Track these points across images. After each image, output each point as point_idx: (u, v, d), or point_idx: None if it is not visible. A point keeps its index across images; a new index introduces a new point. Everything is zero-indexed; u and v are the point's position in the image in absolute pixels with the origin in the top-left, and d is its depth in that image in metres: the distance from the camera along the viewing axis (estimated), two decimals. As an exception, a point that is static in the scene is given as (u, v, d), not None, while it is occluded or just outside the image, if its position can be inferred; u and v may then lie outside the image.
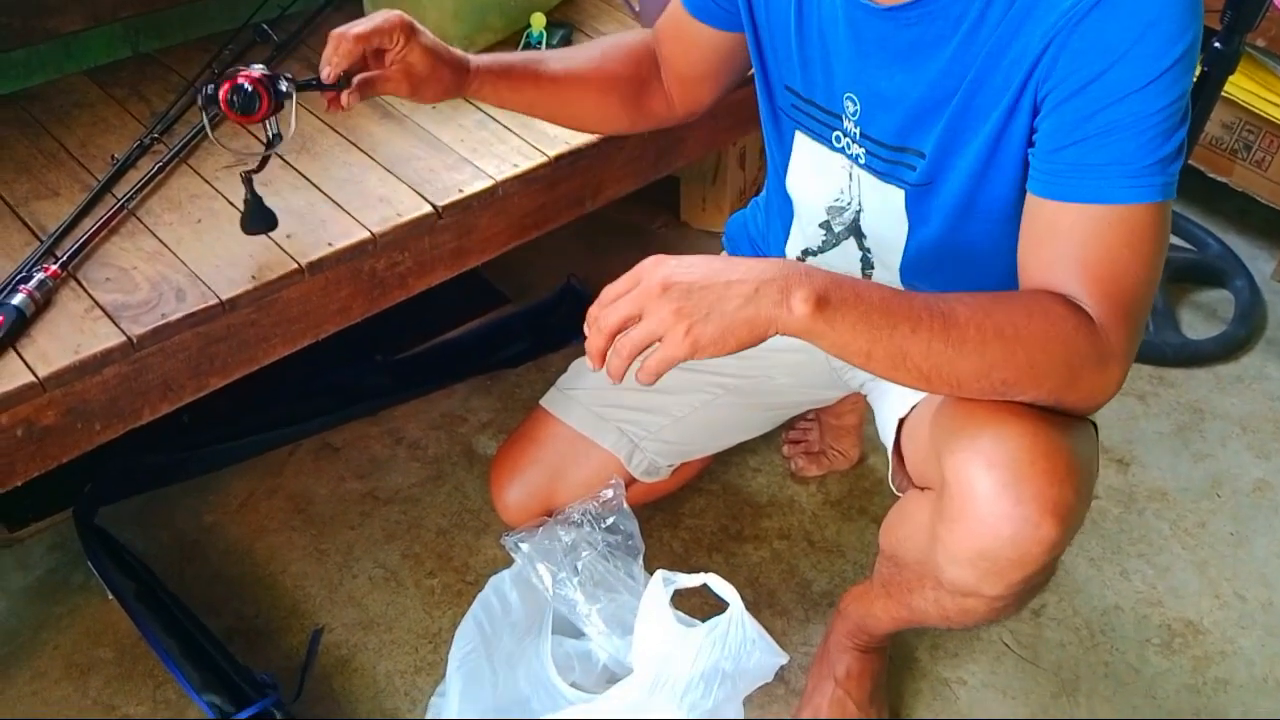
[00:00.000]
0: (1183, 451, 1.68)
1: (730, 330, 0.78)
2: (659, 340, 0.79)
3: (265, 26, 1.42)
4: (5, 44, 1.30)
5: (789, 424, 1.57)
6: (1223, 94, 1.78)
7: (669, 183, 2.01)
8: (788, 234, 1.16)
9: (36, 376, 0.96)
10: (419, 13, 1.43)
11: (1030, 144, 0.86)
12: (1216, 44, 1.64)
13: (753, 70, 1.11)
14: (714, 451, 1.38)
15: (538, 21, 1.48)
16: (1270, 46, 1.86)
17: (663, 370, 0.79)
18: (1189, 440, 1.70)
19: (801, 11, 0.97)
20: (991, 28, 0.84)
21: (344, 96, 1.00)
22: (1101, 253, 0.81)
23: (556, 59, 1.15)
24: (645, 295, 0.80)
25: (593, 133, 1.29)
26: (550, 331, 1.77)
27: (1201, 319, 1.93)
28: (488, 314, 1.79)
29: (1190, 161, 1.93)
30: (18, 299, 1.00)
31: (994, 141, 0.88)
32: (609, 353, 0.82)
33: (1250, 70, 1.94)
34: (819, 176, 1.07)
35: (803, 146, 1.07)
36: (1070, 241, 0.82)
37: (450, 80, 1.05)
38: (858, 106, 0.96)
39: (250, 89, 0.97)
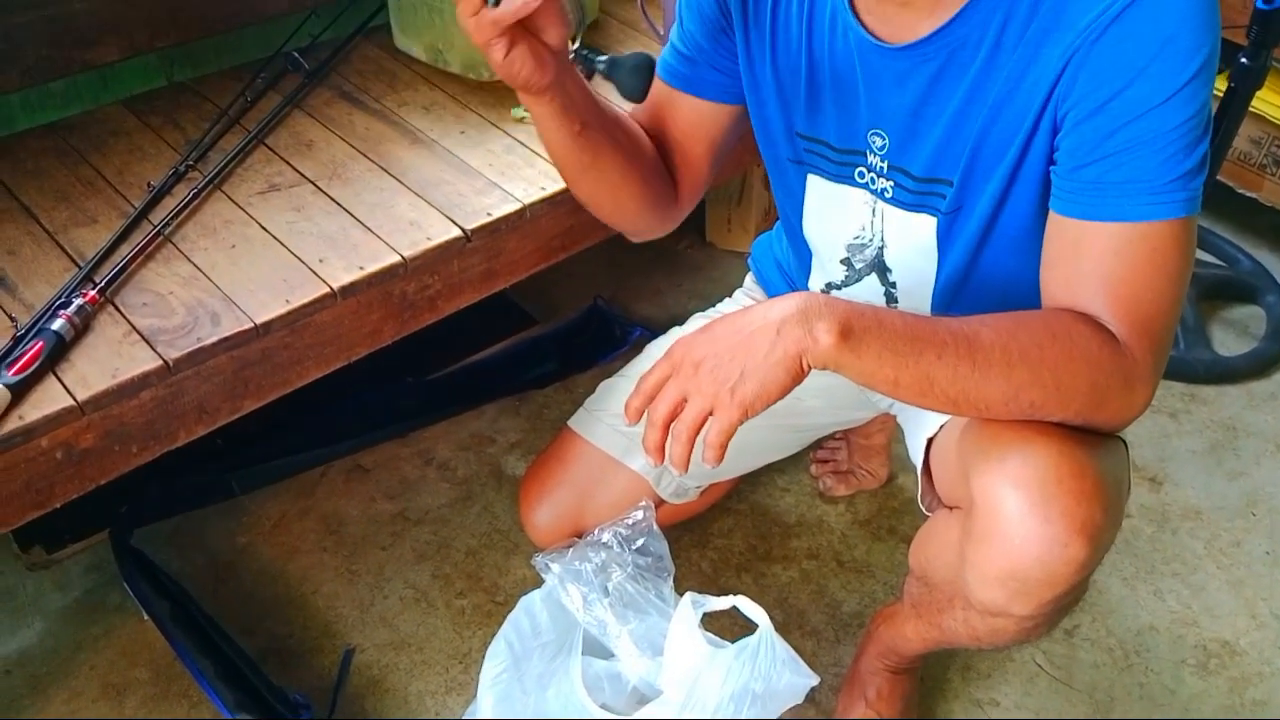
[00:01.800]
0: (1216, 469, 1.66)
1: (769, 379, 0.79)
2: (710, 414, 0.80)
3: (296, 54, 1.45)
4: (44, 76, 1.33)
5: (817, 443, 1.57)
6: (1251, 109, 1.77)
7: (695, 203, 2.02)
8: (809, 272, 1.16)
9: (75, 400, 0.98)
10: (449, 38, 1.46)
11: (1052, 162, 0.86)
12: (1243, 59, 1.64)
13: (752, 118, 1.07)
14: (743, 473, 1.38)
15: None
16: (1299, 61, 1.85)
17: (724, 442, 0.80)
18: (1222, 458, 1.68)
19: (812, 58, 0.96)
20: (1009, 51, 0.84)
21: None
22: (1125, 271, 0.81)
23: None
24: (684, 379, 0.82)
25: (624, 224, 1.12)
26: (578, 352, 1.78)
27: (1233, 336, 1.91)
28: (515, 335, 1.80)
29: (1220, 177, 1.91)
30: (57, 324, 1.02)
31: (1017, 162, 0.88)
32: (667, 442, 0.83)
33: (1278, 85, 1.93)
34: (837, 217, 1.06)
35: (817, 190, 1.06)
36: (1093, 260, 0.82)
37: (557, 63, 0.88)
38: (886, 141, 0.95)
39: None
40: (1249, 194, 2.02)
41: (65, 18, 1.31)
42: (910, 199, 0.98)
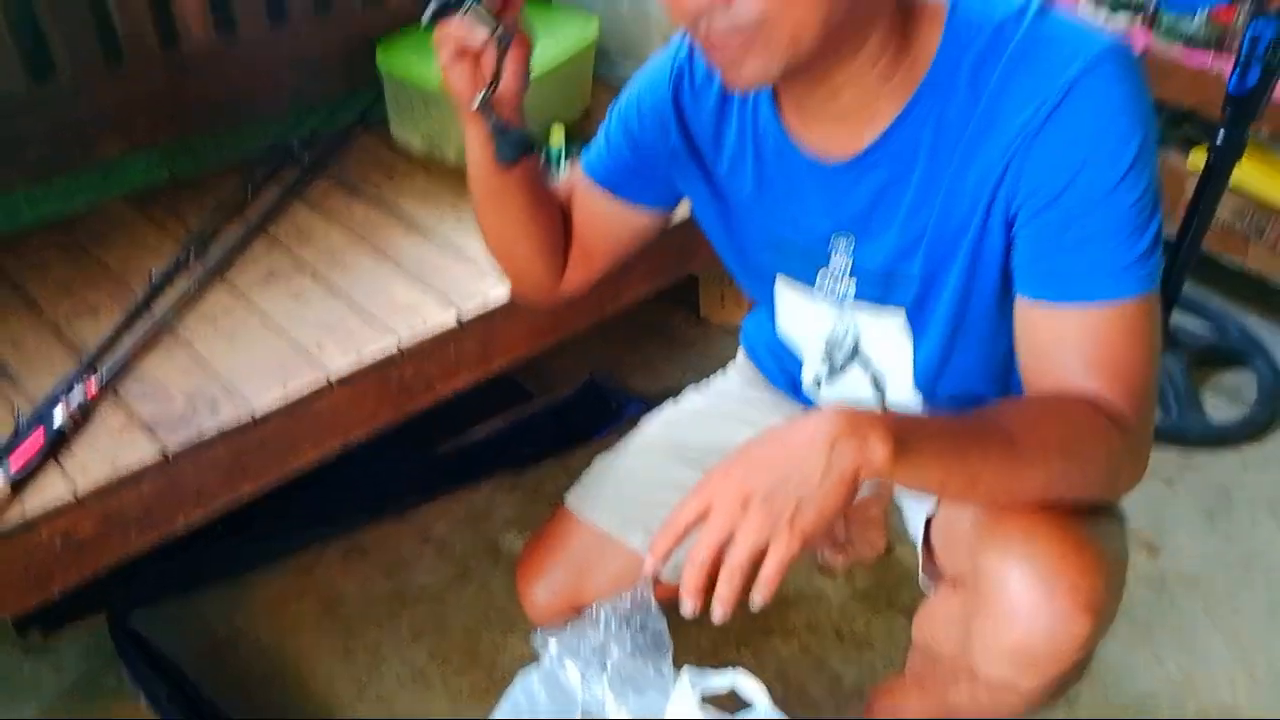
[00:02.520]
0: (1212, 534, 1.66)
1: (829, 503, 0.76)
2: (765, 549, 0.77)
3: (296, 147, 1.49)
4: (49, 172, 1.37)
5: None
6: (1231, 183, 1.81)
7: (687, 278, 2.04)
8: (798, 363, 1.18)
9: (76, 490, 1.00)
10: (444, 130, 1.50)
11: (1012, 250, 0.89)
12: (1220, 137, 1.68)
13: (714, 239, 1.10)
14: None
15: (557, 134, 1.54)
16: (1274, 135, 1.89)
17: (781, 576, 0.77)
18: (1218, 523, 1.68)
19: (763, 180, 0.99)
20: (948, 154, 0.86)
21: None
22: (1105, 350, 0.84)
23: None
24: (728, 516, 0.78)
25: (510, 269, 1.12)
26: (574, 427, 1.79)
27: (1225, 401, 1.93)
28: (512, 410, 1.82)
29: (1205, 246, 1.94)
30: (59, 416, 1.04)
31: (973, 255, 0.90)
32: (720, 583, 0.78)
33: (1258, 157, 1.97)
34: (808, 317, 1.08)
35: (786, 293, 1.08)
36: (1071, 342, 0.85)
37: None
38: (851, 241, 0.98)
39: None
40: (1235, 261, 2.05)
41: (69, 117, 1.36)
42: (875, 295, 1.00)
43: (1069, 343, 0.85)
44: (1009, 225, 0.87)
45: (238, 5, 1.46)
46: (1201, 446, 1.81)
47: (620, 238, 1.11)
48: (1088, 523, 0.86)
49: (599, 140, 1.08)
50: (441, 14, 0.81)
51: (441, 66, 0.88)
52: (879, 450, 0.76)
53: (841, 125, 0.90)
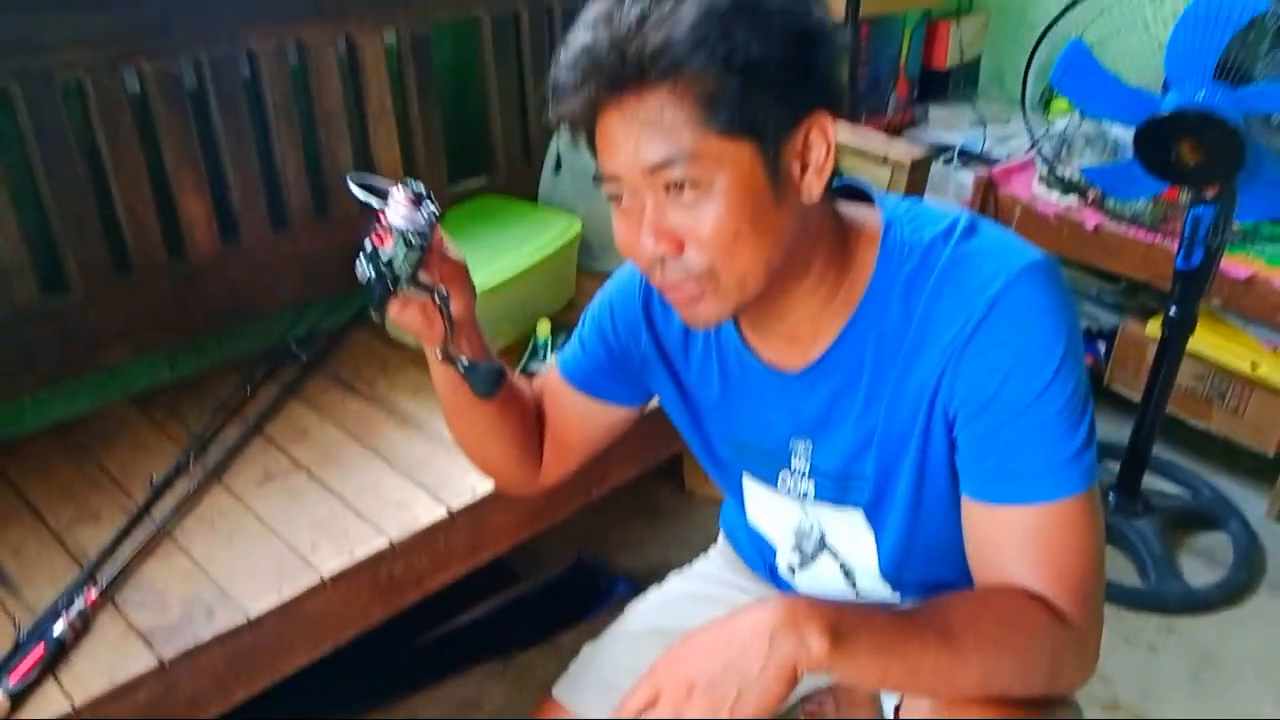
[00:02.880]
0: (1198, 700, 1.67)
1: (768, 693, 0.79)
2: None
3: (294, 345, 1.56)
4: (56, 379, 1.43)
5: (805, 697, 1.58)
6: (1190, 349, 1.90)
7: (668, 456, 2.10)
8: (774, 550, 1.22)
9: (73, 705, 1.01)
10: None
11: (954, 450, 0.94)
12: (1172, 312, 1.77)
13: (688, 440, 1.16)
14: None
15: (543, 328, 1.62)
16: (1227, 304, 1.99)
17: None
18: (1203, 689, 1.69)
19: (728, 385, 1.06)
20: (889, 363, 0.93)
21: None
22: (1045, 549, 0.87)
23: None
24: (675, 702, 0.80)
25: (485, 468, 1.17)
26: (563, 609, 1.81)
27: (1201, 564, 1.96)
28: (500, 593, 1.83)
29: (1172, 410, 2.02)
30: (58, 628, 1.07)
31: (921, 456, 0.96)
32: None
33: (1213, 325, 2.06)
34: (775, 511, 1.13)
35: (752, 489, 1.14)
36: (1013, 541, 0.89)
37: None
38: (810, 444, 1.04)
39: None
40: (1200, 425, 2.12)
41: (79, 327, 1.42)
42: (832, 495, 1.05)
43: (1011, 542, 0.89)
44: (950, 427, 0.93)
45: (242, 214, 1.56)
46: (1181, 613, 1.84)
47: (596, 433, 1.16)
48: (1041, 714, 0.87)
49: (574, 342, 1.15)
50: (383, 303, 0.89)
51: (391, 319, 0.94)
52: (816, 644, 0.79)
53: (792, 342, 0.97)
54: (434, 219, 0.90)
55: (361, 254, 0.87)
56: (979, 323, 0.87)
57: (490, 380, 0.98)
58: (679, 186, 0.83)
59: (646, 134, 0.81)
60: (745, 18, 0.80)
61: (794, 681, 0.80)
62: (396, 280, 0.87)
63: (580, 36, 0.82)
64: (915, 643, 0.82)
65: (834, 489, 1.04)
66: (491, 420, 1.09)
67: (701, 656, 0.82)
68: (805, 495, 1.07)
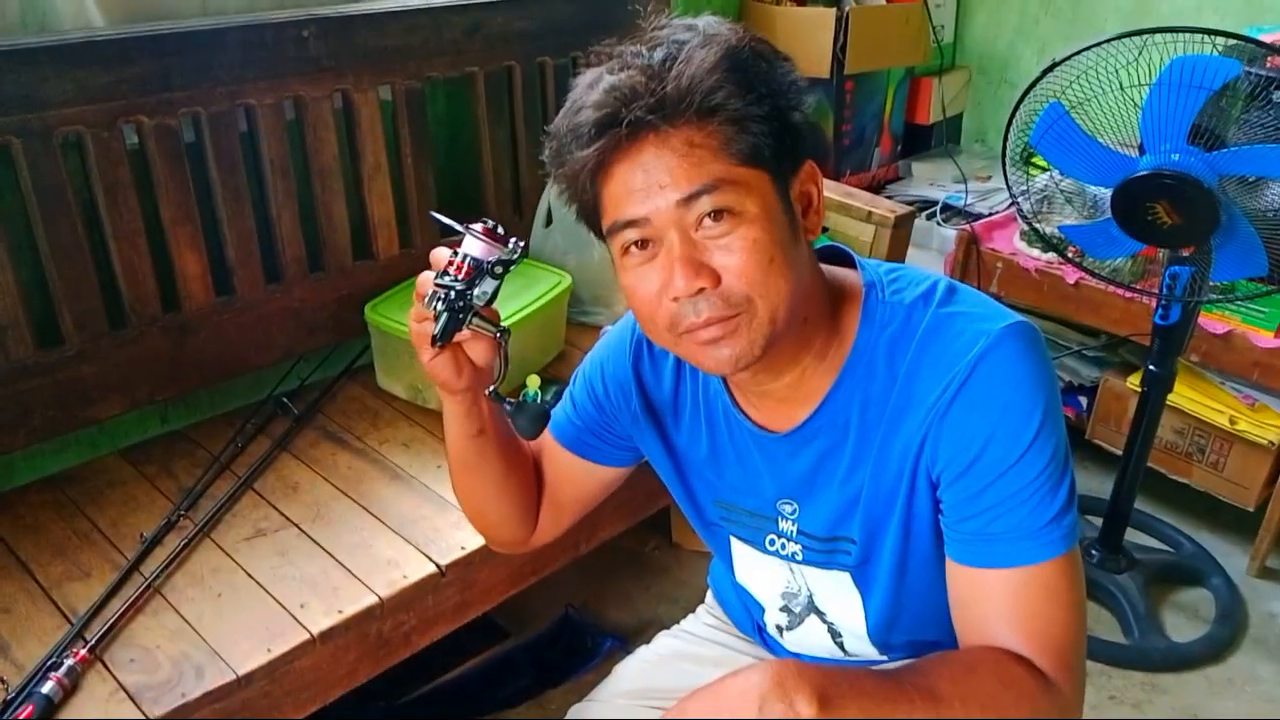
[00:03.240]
0: (1185, 761, 1.68)
1: None
2: None
3: (285, 399, 1.57)
4: (48, 433, 1.43)
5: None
6: (1170, 403, 1.93)
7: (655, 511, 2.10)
8: (763, 610, 1.23)
9: (60, 767, 1.01)
10: (428, 378, 1.58)
11: (940, 511, 0.95)
12: (1151, 367, 1.80)
13: (676, 499, 1.16)
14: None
15: (533, 382, 1.63)
16: (1204, 360, 2.02)
17: None
18: (1190, 749, 1.70)
19: (716, 446, 1.07)
20: (873, 427, 0.95)
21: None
22: (1027, 611, 0.89)
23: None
24: None
25: (482, 527, 1.16)
26: (551, 666, 1.80)
27: (1184, 620, 1.98)
28: (488, 650, 1.82)
29: (1152, 464, 2.04)
30: (47, 687, 1.07)
31: (906, 518, 0.97)
32: None
33: (1191, 380, 2.09)
34: (763, 573, 1.15)
35: (740, 550, 1.16)
36: (995, 604, 0.90)
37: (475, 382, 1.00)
38: (796, 506, 1.05)
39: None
40: (1181, 480, 2.14)
41: (74, 381, 1.43)
42: (820, 558, 1.06)
43: (993, 605, 0.90)
44: (934, 487, 0.94)
45: (237, 268, 1.57)
46: (1165, 670, 1.84)
47: (587, 493, 1.18)
48: None
49: (565, 403, 1.16)
50: (450, 334, 0.89)
51: (427, 363, 0.96)
52: (805, 708, 0.79)
53: (781, 402, 0.99)
54: (515, 255, 0.90)
55: (436, 284, 0.87)
56: (960, 386, 0.89)
57: (538, 419, 0.98)
58: (715, 215, 0.84)
59: (678, 167, 0.83)
60: (754, 65, 0.84)
61: None
62: (468, 311, 0.87)
63: (598, 88, 0.84)
64: (902, 707, 0.83)
65: (821, 551, 1.06)
66: (500, 478, 1.10)
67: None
68: (793, 556, 1.08)
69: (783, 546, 1.08)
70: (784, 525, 1.07)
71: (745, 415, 1.03)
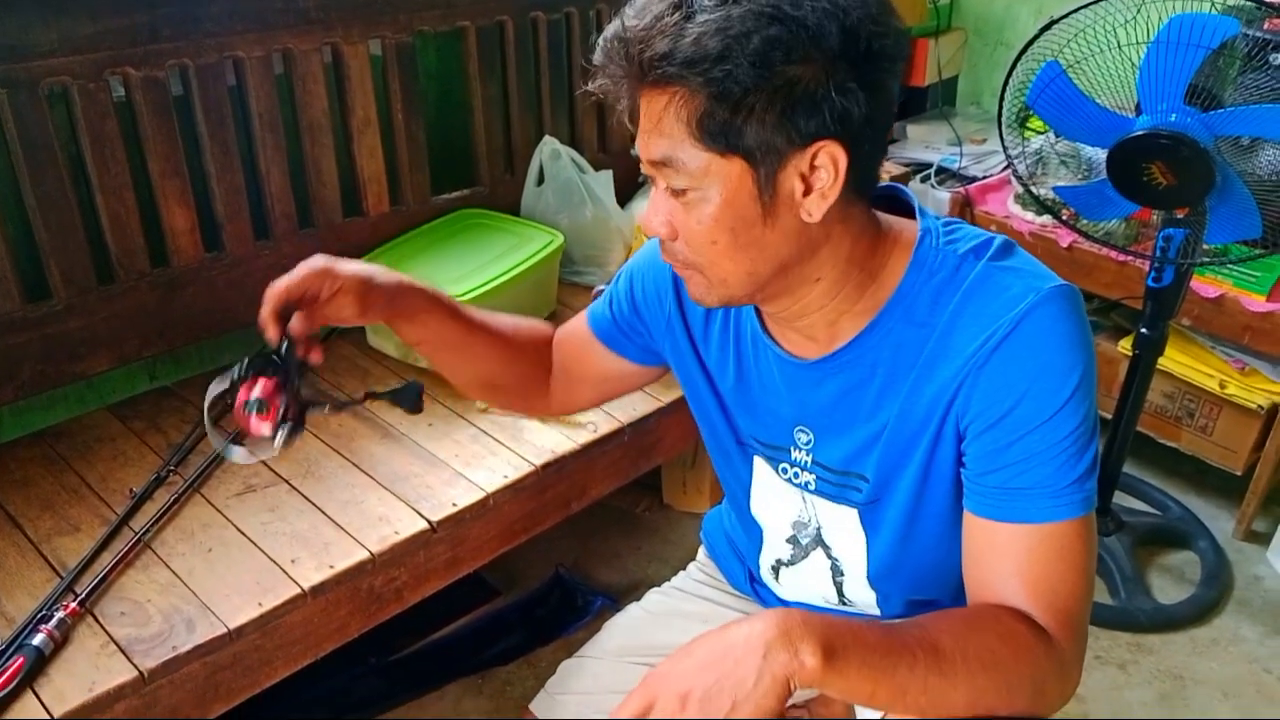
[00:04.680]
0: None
1: (762, 706, 0.79)
2: None
3: (275, 356, 1.55)
4: (37, 388, 1.42)
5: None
6: (1160, 367, 1.93)
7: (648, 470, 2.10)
8: (760, 549, 1.23)
9: (51, 717, 1.01)
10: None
11: (961, 464, 0.96)
12: (1143, 330, 1.80)
13: (697, 415, 1.18)
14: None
15: (524, 340, 1.63)
16: (1195, 324, 2.03)
17: None
18: (1174, 708, 1.71)
19: (741, 366, 1.08)
20: (906, 370, 0.95)
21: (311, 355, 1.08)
22: (1039, 569, 0.89)
23: (480, 314, 1.21)
24: (669, 713, 0.81)
25: (469, 392, 1.27)
26: (541, 624, 1.81)
27: (1170, 582, 1.99)
28: (478, 609, 1.83)
29: (1141, 428, 2.04)
30: (38, 639, 1.06)
31: (926, 465, 0.97)
32: None
33: (1182, 344, 2.10)
34: (778, 499, 1.16)
35: (761, 474, 1.16)
36: (1008, 559, 0.90)
37: (381, 303, 1.10)
38: (811, 436, 1.06)
39: (264, 400, 1.01)
40: (1170, 444, 2.15)
41: (62, 335, 1.42)
42: (832, 490, 1.07)
43: (1005, 560, 0.90)
44: (960, 440, 0.94)
45: (226, 223, 1.55)
46: (1151, 630, 1.86)
47: (604, 378, 1.22)
48: None
49: (606, 294, 1.20)
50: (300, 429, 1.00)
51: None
52: (810, 660, 0.80)
53: (809, 339, 0.99)
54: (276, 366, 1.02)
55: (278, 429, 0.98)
56: (1001, 340, 0.88)
57: (417, 395, 1.18)
58: (670, 188, 0.88)
59: (654, 130, 0.85)
60: (753, 42, 0.80)
61: (787, 695, 0.81)
62: (302, 413, 1.00)
63: (622, 19, 0.84)
64: (905, 661, 0.83)
65: (834, 484, 1.06)
66: (476, 340, 1.16)
67: (696, 668, 0.83)
68: (806, 486, 1.09)
69: (795, 475, 1.09)
70: (796, 454, 1.08)
71: (774, 341, 1.03)
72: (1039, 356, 0.88)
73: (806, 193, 0.88)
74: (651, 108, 0.85)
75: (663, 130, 0.85)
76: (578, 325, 1.24)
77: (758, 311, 1.05)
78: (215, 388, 1.00)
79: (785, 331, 1.02)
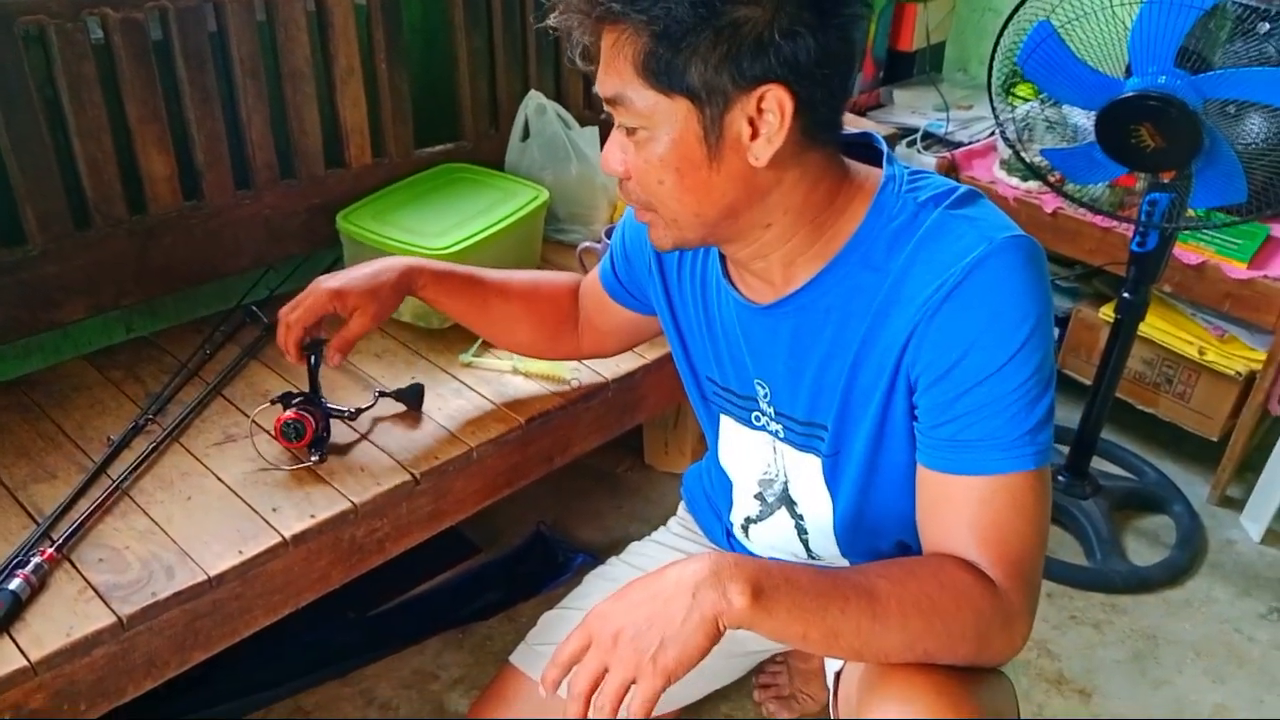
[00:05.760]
0: (1141, 679, 1.72)
1: (690, 644, 0.82)
2: (633, 683, 0.82)
3: (254, 308, 1.54)
4: (11, 335, 1.40)
5: (759, 668, 1.61)
6: (1140, 334, 1.94)
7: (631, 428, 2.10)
8: (730, 504, 1.24)
9: (29, 660, 1.00)
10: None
11: (914, 417, 0.96)
12: (1125, 295, 1.81)
13: (675, 361, 1.20)
14: (687, 703, 1.41)
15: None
16: (1176, 291, 2.04)
17: (649, 709, 0.82)
18: (1146, 668, 1.74)
19: (708, 314, 1.09)
20: (860, 318, 0.94)
21: (334, 357, 1.26)
22: (989, 520, 0.89)
23: (495, 278, 1.31)
24: (603, 650, 0.84)
25: (500, 345, 1.43)
26: (522, 580, 1.81)
27: (1146, 545, 2.01)
28: (459, 564, 1.83)
29: (1120, 394, 2.06)
30: (14, 584, 1.05)
31: (881, 415, 0.97)
32: (592, 712, 0.85)
33: (1162, 311, 2.11)
34: (747, 453, 1.15)
35: (728, 427, 1.16)
36: (960, 511, 0.90)
37: (394, 299, 1.25)
38: (767, 390, 1.06)
39: (299, 423, 1.26)
40: (1147, 410, 2.17)
41: (37, 281, 1.39)
42: (798, 440, 1.07)
43: (956, 512, 0.91)
44: (911, 391, 0.94)
45: (205, 171, 1.53)
46: (1125, 591, 1.88)
47: (619, 327, 1.30)
48: (968, 685, 0.89)
49: (610, 253, 1.25)
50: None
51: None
52: (737, 600, 0.82)
53: (766, 283, 0.99)
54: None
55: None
56: (952, 289, 0.88)
57: (418, 395, 1.39)
58: (629, 130, 0.89)
59: (606, 67, 0.87)
60: None
61: (716, 635, 0.83)
62: (328, 425, 1.31)
63: None
64: (836, 604, 0.84)
65: (799, 435, 1.07)
66: (493, 324, 1.33)
67: (629, 608, 0.85)
68: (777, 434, 1.09)
69: (766, 424, 1.09)
70: (763, 404, 1.08)
71: (733, 286, 1.03)
72: (988, 306, 0.87)
73: (754, 137, 0.87)
74: (605, 45, 0.86)
75: (613, 68, 0.86)
76: (593, 281, 1.30)
77: (722, 256, 1.04)
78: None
79: (744, 275, 1.03)
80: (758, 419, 1.11)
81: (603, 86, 0.88)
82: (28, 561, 1.08)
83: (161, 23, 1.44)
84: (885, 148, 0.99)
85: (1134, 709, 1.66)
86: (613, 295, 1.26)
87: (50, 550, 1.10)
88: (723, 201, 0.90)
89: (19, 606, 1.04)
